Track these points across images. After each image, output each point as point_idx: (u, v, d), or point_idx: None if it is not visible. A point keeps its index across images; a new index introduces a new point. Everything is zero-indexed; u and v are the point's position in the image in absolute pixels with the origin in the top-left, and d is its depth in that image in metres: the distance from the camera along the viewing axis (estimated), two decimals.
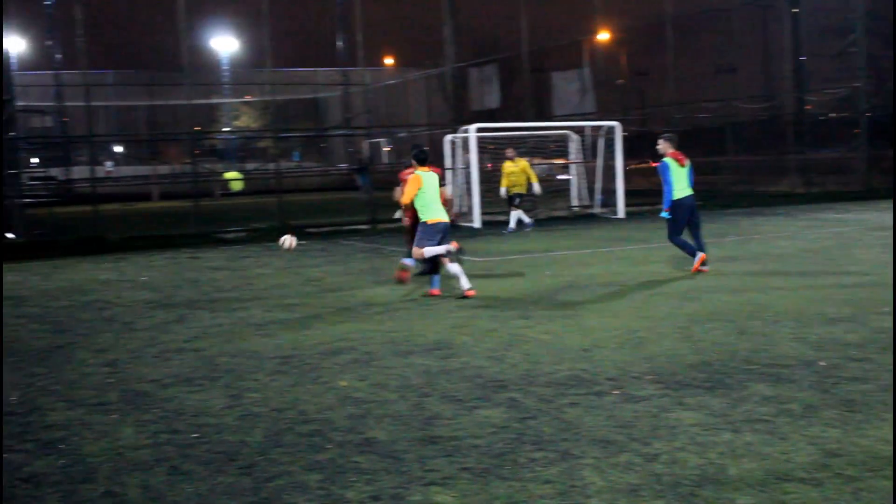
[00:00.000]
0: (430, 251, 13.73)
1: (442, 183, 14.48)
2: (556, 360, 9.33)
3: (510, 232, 24.51)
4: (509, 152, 25.29)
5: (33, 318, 13.37)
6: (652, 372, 8.69)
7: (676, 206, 15.32)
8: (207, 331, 11.72)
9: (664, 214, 15.41)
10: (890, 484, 5.73)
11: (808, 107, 39.16)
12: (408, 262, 14.94)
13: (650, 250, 18.75)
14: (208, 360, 9.99)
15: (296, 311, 13.04)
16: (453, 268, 13.74)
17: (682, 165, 15.37)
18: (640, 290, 13.76)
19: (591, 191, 30.27)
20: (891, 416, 7.08)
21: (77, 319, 13.05)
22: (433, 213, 13.87)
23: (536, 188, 24.90)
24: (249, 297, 14.47)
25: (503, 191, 25.07)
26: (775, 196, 32.84)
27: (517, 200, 25.00)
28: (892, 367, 8.58)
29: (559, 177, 30.42)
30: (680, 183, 15.31)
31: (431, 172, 14.12)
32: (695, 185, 15.63)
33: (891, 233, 20.64)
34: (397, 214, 15.96)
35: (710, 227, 23.33)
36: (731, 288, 13.60)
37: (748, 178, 38.10)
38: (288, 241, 15.32)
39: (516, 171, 24.91)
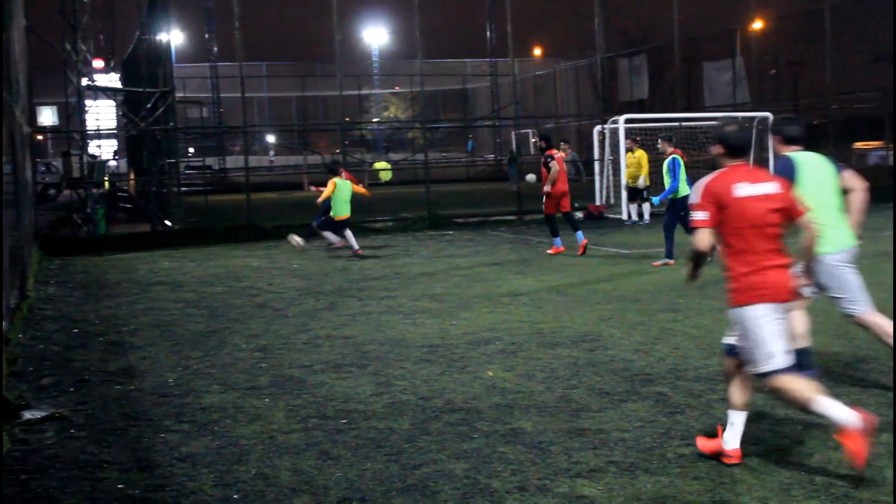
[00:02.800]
0: (326, 234, 19.70)
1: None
2: (706, 354, 9.20)
3: (646, 224, 24.30)
4: (627, 143, 24.96)
5: (189, 303, 13.77)
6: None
7: (684, 201, 15.62)
8: (356, 318, 11.90)
9: (655, 200, 16.66)
10: None
11: None
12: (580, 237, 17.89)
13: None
14: (357, 347, 10.14)
15: (443, 300, 13.12)
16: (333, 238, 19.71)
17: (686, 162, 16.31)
18: None
19: None
20: None
21: (230, 305, 13.40)
22: (340, 211, 19.26)
23: (641, 182, 24.59)
24: (397, 286, 14.63)
25: (625, 182, 24.79)
26: None
27: (645, 193, 24.74)
28: None
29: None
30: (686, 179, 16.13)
31: (346, 180, 19.55)
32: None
33: None
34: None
35: (867, 221, 22.60)
36: (889, 285, 13.16)
37: None
38: (295, 240, 19.78)
39: (633, 162, 24.61)
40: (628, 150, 24.92)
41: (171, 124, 26.01)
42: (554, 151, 18.25)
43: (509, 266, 16.67)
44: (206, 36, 40.01)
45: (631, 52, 46.07)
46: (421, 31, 28.90)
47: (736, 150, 6.30)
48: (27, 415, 7.76)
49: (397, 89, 73.71)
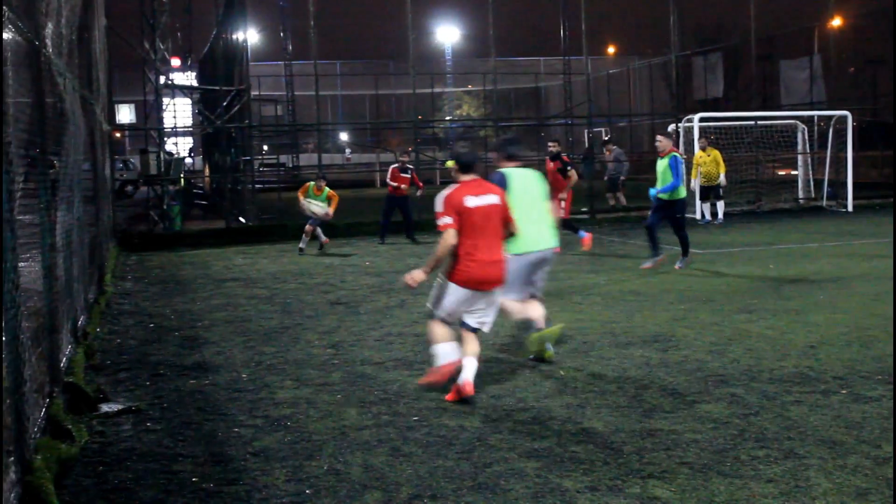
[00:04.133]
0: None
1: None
2: (780, 356, 9.09)
3: (720, 223, 24.14)
4: (702, 142, 24.79)
5: (263, 299, 13.90)
6: (882, 372, 8.36)
7: (682, 204, 15.77)
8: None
9: (652, 192, 15.60)
10: None
11: None
12: None
13: (880, 245, 17.98)
14: (427, 345, 10.14)
15: None
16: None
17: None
18: (869, 286, 13.22)
19: (817, 183, 29.29)
20: None
21: (303, 302, 13.50)
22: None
23: (722, 179, 24.42)
24: None
25: (694, 182, 24.43)
26: None
27: (720, 192, 24.60)
28: None
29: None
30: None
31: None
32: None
33: None
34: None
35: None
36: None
37: None
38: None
39: (708, 161, 24.37)
40: (701, 148, 24.70)
41: (246, 122, 26.28)
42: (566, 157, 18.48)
43: (581, 265, 16.60)
44: (282, 34, 40.23)
45: (706, 49, 45.61)
46: (494, 29, 28.87)
47: (466, 167, 8.20)
48: (105, 408, 7.90)
49: (470, 87, 73.67)
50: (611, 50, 68.35)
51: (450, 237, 7.87)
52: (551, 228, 9.34)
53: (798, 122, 29.12)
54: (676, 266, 15.46)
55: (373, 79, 62.21)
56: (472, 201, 7.95)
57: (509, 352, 9.67)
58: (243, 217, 25.70)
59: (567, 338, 10.21)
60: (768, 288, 13.42)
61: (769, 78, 43.37)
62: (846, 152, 27.37)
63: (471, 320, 8.16)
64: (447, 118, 71.51)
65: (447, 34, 72.10)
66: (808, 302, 12.09)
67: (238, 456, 6.61)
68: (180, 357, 10.05)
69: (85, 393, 7.93)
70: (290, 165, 49.06)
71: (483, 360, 9.31)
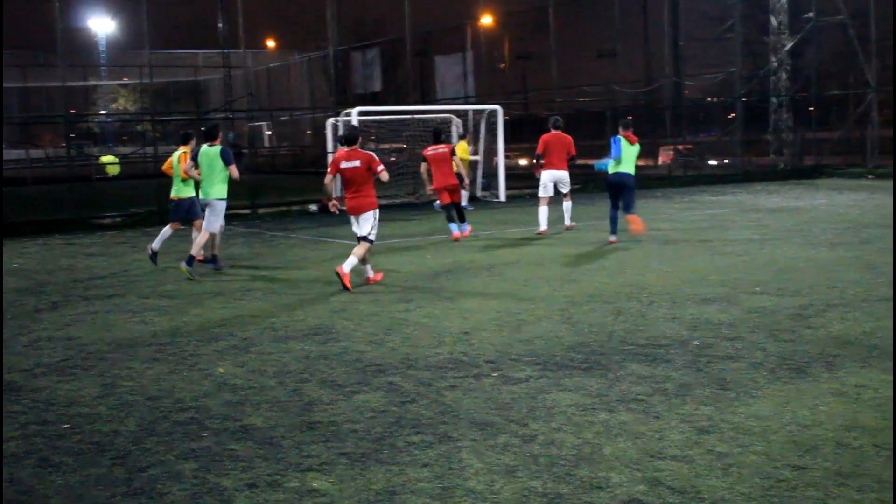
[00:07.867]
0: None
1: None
2: (436, 343, 9.35)
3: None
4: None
5: None
6: (530, 354, 8.76)
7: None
8: (81, 318, 11.45)
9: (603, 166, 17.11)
10: (758, 458, 5.87)
11: (686, 91, 39.95)
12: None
13: (530, 233, 18.88)
14: (82, 348, 9.76)
15: (173, 297, 12.82)
16: None
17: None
18: (519, 272, 13.86)
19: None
20: (761, 393, 7.27)
21: None
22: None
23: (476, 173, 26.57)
24: (126, 284, 14.19)
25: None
26: (654, 179, 33.41)
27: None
28: (762, 345, 8.81)
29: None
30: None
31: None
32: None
33: (764, 215, 21.17)
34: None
35: (591, 211, 23.61)
36: (609, 269, 13.80)
37: None
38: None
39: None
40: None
41: None
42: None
43: (242, 260, 16.46)
44: None
45: (364, 44, 46.39)
46: (150, 21, 28.12)
47: (345, 141, 12.98)
48: None
49: (126, 81, 71.45)
50: (270, 44, 68.19)
51: (328, 180, 13.23)
52: (220, 188, 14.71)
53: (453, 115, 30.11)
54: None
55: (20, 70, 59.15)
56: (344, 163, 12.79)
57: (167, 351, 9.44)
58: None
59: (226, 335, 10.10)
60: (425, 277, 13.80)
61: (426, 73, 44.66)
62: (497, 145, 28.54)
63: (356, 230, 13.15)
64: (102, 112, 69.10)
65: (100, 24, 69.52)
66: (463, 290, 12.53)
67: None
68: None
69: None
70: None
71: (143, 362, 9.06)
